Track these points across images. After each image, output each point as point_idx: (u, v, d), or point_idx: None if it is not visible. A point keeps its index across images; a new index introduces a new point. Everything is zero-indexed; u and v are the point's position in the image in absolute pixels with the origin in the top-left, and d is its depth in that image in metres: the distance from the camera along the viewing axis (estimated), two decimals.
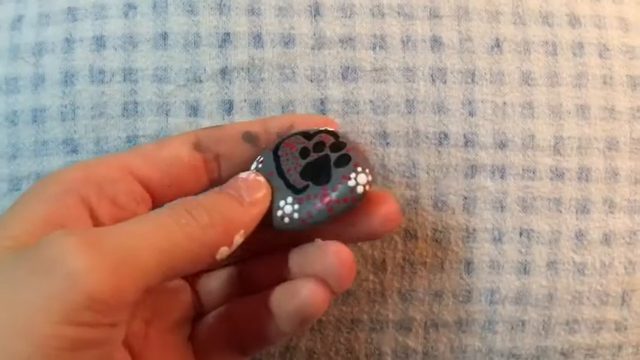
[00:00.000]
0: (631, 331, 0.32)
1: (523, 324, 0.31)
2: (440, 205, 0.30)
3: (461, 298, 0.31)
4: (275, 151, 0.25)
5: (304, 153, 0.24)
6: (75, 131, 0.30)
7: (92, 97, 0.30)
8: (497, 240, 0.31)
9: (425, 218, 0.30)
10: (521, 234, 0.31)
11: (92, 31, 0.30)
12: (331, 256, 0.23)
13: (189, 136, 0.25)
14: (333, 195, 0.23)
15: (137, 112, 0.30)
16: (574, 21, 0.32)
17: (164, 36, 0.30)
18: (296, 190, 0.24)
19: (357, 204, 0.23)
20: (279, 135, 0.26)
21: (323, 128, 0.25)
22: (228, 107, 0.30)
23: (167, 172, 0.24)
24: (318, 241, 0.24)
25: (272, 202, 0.24)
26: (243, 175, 0.24)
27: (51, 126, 0.30)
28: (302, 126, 0.26)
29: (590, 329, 0.31)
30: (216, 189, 0.24)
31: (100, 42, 0.30)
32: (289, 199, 0.23)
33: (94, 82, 0.30)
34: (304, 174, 0.24)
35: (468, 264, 0.31)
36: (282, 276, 0.25)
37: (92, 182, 0.22)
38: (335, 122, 0.26)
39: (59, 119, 0.30)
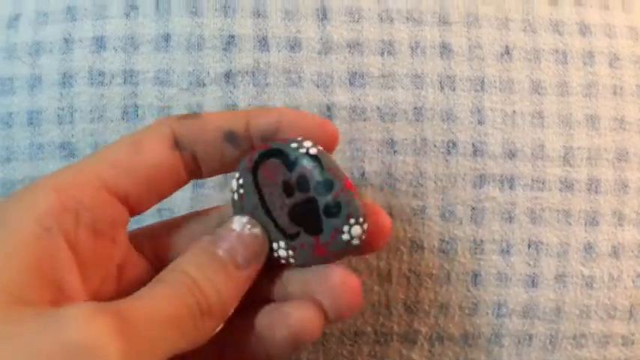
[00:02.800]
0: (638, 345, 0.31)
1: (530, 338, 0.30)
2: (447, 215, 0.30)
3: (467, 311, 0.30)
4: (254, 173, 0.22)
5: (288, 189, 0.22)
6: (72, 135, 0.29)
7: (91, 100, 0.29)
8: (505, 252, 0.30)
9: (432, 228, 0.30)
10: (529, 246, 0.30)
11: (92, 32, 0.29)
12: (337, 282, 0.21)
13: (164, 131, 0.22)
14: (328, 248, 0.22)
15: (137, 115, 0.29)
16: (584, 29, 0.31)
17: (166, 37, 0.29)
18: (287, 236, 0.22)
19: (355, 252, 0.22)
20: (263, 139, 0.23)
21: (304, 148, 0.22)
22: None
23: (145, 180, 0.22)
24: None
25: None
26: (236, 226, 0.22)
27: (47, 129, 0.29)
28: (289, 130, 0.22)
29: (598, 344, 0.31)
30: (207, 240, 0.21)
31: (100, 43, 0.29)
32: (282, 244, 0.22)
33: (93, 84, 0.29)
34: (292, 217, 0.22)
35: (475, 276, 0.30)
36: (272, 293, 0.23)
37: (69, 212, 0.20)
38: (327, 123, 0.23)
39: (56, 122, 0.29)
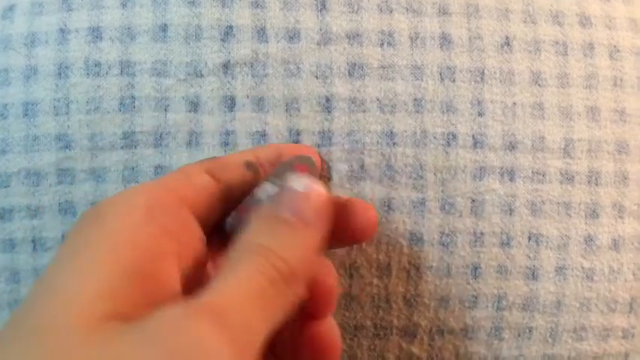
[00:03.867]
0: (638, 338, 0.31)
1: (530, 331, 0.30)
2: (447, 207, 0.29)
3: (467, 304, 0.30)
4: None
5: None
6: (68, 126, 0.28)
7: (87, 91, 0.28)
8: (506, 244, 0.30)
9: (431, 221, 0.29)
10: (529, 238, 0.30)
11: (88, 22, 0.29)
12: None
13: (201, 165, 0.25)
14: None
15: (134, 107, 0.28)
16: (585, 21, 0.31)
17: (164, 28, 0.29)
18: None
19: None
20: (271, 164, 0.26)
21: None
22: (230, 103, 0.29)
23: (203, 199, 0.24)
24: None
25: None
26: (297, 186, 0.22)
27: (43, 120, 0.28)
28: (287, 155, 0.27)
29: (598, 337, 0.31)
30: (268, 207, 0.22)
31: (96, 33, 0.29)
32: None
33: (89, 75, 0.28)
34: None
35: (475, 269, 0.30)
36: None
37: (164, 207, 0.21)
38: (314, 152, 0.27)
39: (52, 113, 0.28)
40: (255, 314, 0.19)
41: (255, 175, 0.26)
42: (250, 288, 0.19)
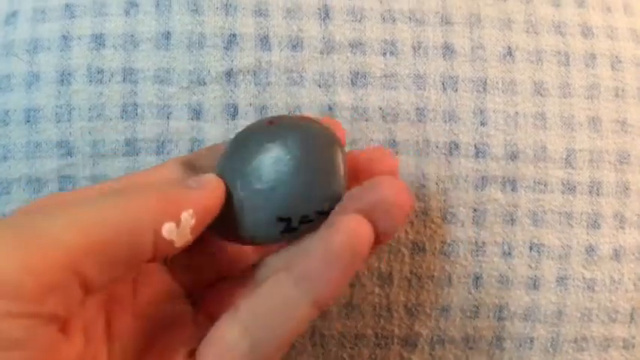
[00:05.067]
0: (639, 348, 0.31)
1: (531, 341, 0.30)
2: (449, 217, 0.29)
3: (468, 314, 0.30)
4: None
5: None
6: (70, 133, 0.28)
7: (89, 98, 0.28)
8: (507, 254, 0.30)
9: (433, 230, 0.29)
10: (531, 248, 0.30)
11: (91, 29, 0.29)
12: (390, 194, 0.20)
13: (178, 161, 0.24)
14: None
15: (137, 114, 0.28)
16: (586, 31, 0.31)
17: (167, 35, 0.29)
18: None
19: None
20: None
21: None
22: (233, 111, 0.29)
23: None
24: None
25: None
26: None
27: (45, 127, 0.28)
28: None
29: (599, 347, 0.31)
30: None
31: (99, 40, 0.29)
32: None
33: (91, 82, 0.28)
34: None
35: (477, 278, 0.30)
36: None
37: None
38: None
39: (54, 120, 0.28)
40: (70, 227, 0.18)
41: None
42: (71, 201, 0.19)
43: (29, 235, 0.17)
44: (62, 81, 0.28)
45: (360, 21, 0.30)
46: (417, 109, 0.29)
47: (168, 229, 0.20)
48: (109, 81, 0.28)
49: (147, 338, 0.22)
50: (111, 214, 0.18)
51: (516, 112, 0.30)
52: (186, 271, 0.24)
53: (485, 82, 0.30)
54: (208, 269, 0.24)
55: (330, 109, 0.29)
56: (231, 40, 0.29)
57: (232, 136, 0.29)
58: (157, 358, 0.21)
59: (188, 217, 0.20)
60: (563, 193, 0.30)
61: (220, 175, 0.21)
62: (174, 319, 0.23)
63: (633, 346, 0.31)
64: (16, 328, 0.16)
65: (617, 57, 0.31)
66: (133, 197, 0.19)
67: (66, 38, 0.29)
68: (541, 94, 0.30)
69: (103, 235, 0.18)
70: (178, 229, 0.20)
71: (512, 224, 0.30)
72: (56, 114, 0.28)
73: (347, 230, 0.19)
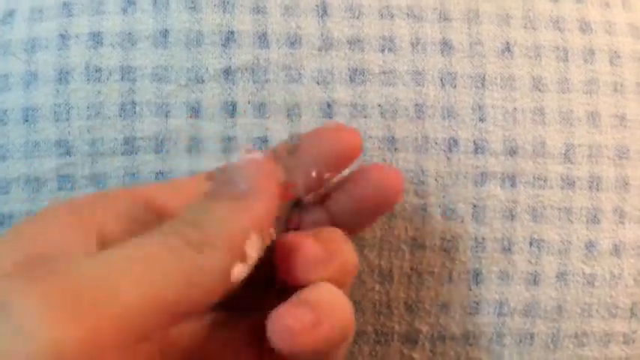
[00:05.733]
0: (639, 343, 0.31)
1: (532, 337, 0.30)
2: (449, 213, 0.29)
3: (469, 310, 0.30)
4: None
5: None
6: (69, 132, 0.28)
7: (88, 97, 0.28)
8: (507, 250, 0.30)
9: (433, 227, 0.29)
10: (531, 244, 0.30)
11: (88, 27, 0.29)
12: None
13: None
14: None
15: (135, 112, 0.28)
16: (585, 27, 0.31)
17: (165, 33, 0.29)
18: None
19: None
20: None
21: None
22: (231, 109, 0.29)
23: None
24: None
25: None
26: (234, 158, 0.20)
27: (43, 126, 0.28)
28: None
29: (599, 342, 0.31)
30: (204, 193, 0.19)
31: (96, 38, 0.29)
32: None
33: (89, 80, 0.28)
34: None
35: (477, 274, 0.30)
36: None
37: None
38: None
39: (52, 119, 0.28)
40: (130, 286, 0.15)
41: None
42: (129, 254, 0.16)
43: (82, 295, 0.15)
44: (60, 80, 0.28)
45: (357, 17, 0.30)
46: (416, 105, 0.29)
47: (237, 273, 0.17)
48: (107, 79, 0.28)
49: None
50: (172, 268, 0.16)
51: (515, 108, 0.30)
52: None
53: (484, 77, 0.30)
54: None
55: (329, 106, 0.29)
56: (229, 38, 0.29)
57: (231, 133, 0.29)
58: None
59: (254, 245, 0.18)
60: (562, 188, 0.30)
61: None
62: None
63: (634, 341, 0.31)
64: None
65: (615, 52, 0.31)
66: (189, 244, 0.17)
67: (63, 37, 0.29)
68: (540, 90, 0.30)
69: (170, 294, 0.16)
70: (246, 265, 0.18)
71: (511, 220, 0.30)
72: (54, 113, 0.28)
73: None
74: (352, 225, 0.24)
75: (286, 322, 0.18)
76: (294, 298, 0.19)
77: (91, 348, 0.14)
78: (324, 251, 0.20)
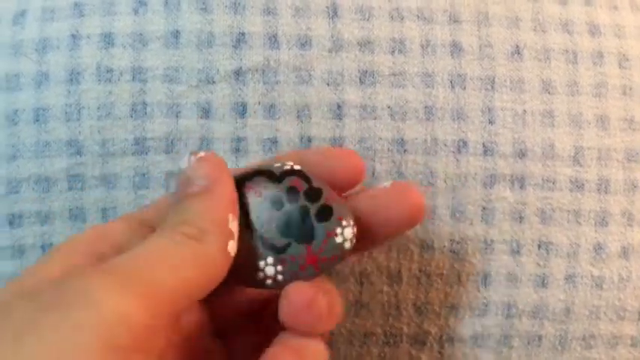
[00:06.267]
0: None
1: (540, 339, 0.30)
2: (457, 215, 0.29)
3: (477, 312, 0.30)
4: (238, 192, 0.22)
5: (277, 203, 0.22)
6: (79, 132, 0.28)
7: (99, 97, 0.28)
8: (516, 252, 0.30)
9: (442, 229, 0.29)
10: (539, 246, 0.30)
11: (100, 28, 0.29)
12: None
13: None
14: (320, 254, 0.22)
15: (146, 113, 0.28)
16: (594, 30, 0.31)
17: (176, 34, 0.29)
18: (277, 250, 0.22)
19: (345, 257, 0.22)
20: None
21: (288, 166, 0.23)
22: (242, 110, 0.29)
23: None
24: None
25: (248, 260, 0.22)
26: (182, 163, 0.22)
27: (54, 126, 0.28)
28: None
29: (607, 345, 0.31)
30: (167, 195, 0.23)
31: (108, 39, 0.29)
32: (270, 260, 0.22)
33: (100, 81, 0.28)
34: (281, 229, 0.22)
35: (485, 276, 0.30)
36: None
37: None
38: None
39: (63, 119, 0.28)
40: (170, 275, 0.19)
41: None
42: (160, 250, 0.19)
43: (142, 281, 0.18)
44: (71, 80, 0.28)
45: (368, 19, 0.30)
46: (426, 107, 0.29)
47: (231, 247, 0.21)
48: (119, 80, 0.28)
49: None
50: (188, 258, 0.20)
51: (524, 110, 0.30)
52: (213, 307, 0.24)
53: (494, 80, 0.30)
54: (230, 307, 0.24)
55: (339, 107, 0.29)
56: (240, 39, 0.29)
57: (241, 134, 0.29)
58: None
59: (233, 222, 0.21)
60: (571, 191, 0.30)
61: None
62: (207, 354, 0.23)
63: None
64: None
65: (624, 55, 0.31)
66: (193, 238, 0.20)
67: (75, 37, 0.29)
68: (549, 92, 0.30)
69: (193, 279, 0.20)
70: (235, 239, 0.21)
71: (520, 222, 0.30)
72: (65, 113, 0.28)
73: None
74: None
75: None
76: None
77: (148, 318, 0.18)
78: (327, 306, 0.21)
